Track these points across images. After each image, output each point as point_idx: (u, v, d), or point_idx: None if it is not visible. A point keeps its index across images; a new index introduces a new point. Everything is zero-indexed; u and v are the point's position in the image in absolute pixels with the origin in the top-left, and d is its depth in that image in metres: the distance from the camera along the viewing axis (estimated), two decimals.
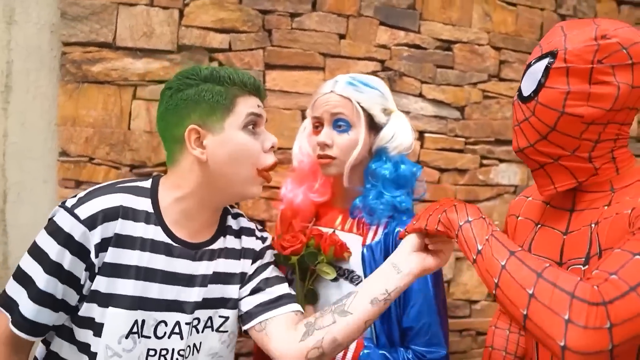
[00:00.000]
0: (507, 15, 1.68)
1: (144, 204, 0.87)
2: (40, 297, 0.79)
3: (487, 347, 1.11)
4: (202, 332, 0.89)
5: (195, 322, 0.88)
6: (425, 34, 1.61)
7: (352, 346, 1.01)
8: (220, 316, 0.91)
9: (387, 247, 1.06)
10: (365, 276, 1.04)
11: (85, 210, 0.81)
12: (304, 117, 1.46)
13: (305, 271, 1.06)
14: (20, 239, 1.42)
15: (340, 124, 1.08)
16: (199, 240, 0.91)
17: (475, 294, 1.68)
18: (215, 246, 0.93)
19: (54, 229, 0.81)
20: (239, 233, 0.98)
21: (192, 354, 0.88)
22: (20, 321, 0.79)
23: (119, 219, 0.83)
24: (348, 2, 1.54)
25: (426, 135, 1.62)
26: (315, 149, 1.12)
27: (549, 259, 0.84)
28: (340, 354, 1.00)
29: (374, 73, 1.56)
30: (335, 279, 1.07)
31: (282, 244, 1.01)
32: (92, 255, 0.81)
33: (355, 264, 1.06)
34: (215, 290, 0.90)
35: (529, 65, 0.85)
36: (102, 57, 1.40)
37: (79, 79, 1.39)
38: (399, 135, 1.12)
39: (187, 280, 0.88)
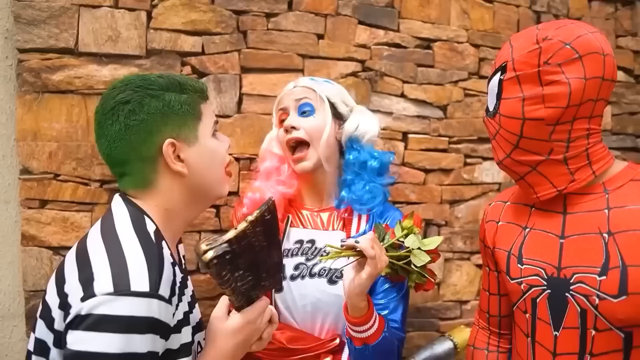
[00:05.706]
0: (484, 12, 1.66)
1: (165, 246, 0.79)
2: None
3: None
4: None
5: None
6: (404, 32, 1.57)
7: (375, 323, 1.00)
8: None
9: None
10: None
11: (165, 286, 0.71)
12: None
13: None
14: None
15: (306, 108, 1.13)
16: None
17: (465, 294, 1.65)
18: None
19: (136, 323, 0.65)
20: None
21: None
22: None
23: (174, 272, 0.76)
24: (325, 1, 1.48)
25: (410, 136, 1.58)
26: (283, 142, 1.14)
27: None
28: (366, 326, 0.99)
29: (354, 74, 1.52)
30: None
31: None
32: (171, 325, 0.73)
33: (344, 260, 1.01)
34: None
35: (488, 83, 0.89)
36: (63, 64, 1.29)
37: (39, 88, 1.27)
38: (364, 123, 1.16)
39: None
